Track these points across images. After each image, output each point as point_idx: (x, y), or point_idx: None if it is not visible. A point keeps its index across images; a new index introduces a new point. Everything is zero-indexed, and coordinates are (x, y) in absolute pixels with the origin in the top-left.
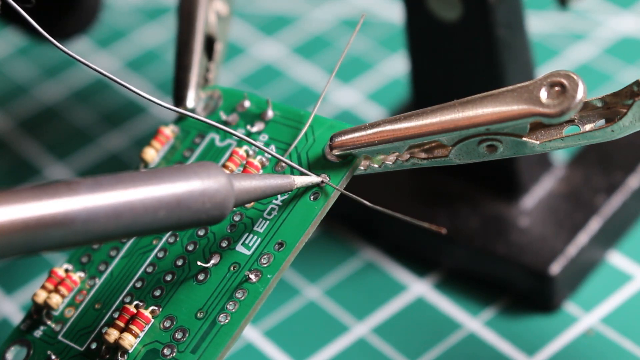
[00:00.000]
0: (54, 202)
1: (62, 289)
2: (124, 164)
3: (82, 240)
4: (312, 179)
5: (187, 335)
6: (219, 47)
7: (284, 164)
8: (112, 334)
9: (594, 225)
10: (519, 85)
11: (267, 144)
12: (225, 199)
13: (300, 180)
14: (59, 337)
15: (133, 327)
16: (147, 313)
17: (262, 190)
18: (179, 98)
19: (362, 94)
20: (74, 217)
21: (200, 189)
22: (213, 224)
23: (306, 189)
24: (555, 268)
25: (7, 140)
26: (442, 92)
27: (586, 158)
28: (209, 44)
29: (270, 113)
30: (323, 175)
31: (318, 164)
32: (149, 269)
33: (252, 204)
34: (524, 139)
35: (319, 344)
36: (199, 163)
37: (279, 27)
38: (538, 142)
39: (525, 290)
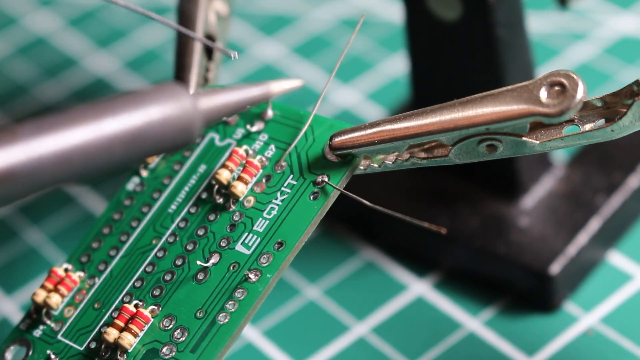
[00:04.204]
0: None
1: (62, 289)
2: None
3: (32, 190)
4: (292, 82)
5: (186, 334)
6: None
7: (283, 164)
8: (112, 334)
9: (594, 225)
10: (518, 85)
11: (267, 144)
12: (190, 123)
13: (277, 86)
14: (59, 337)
15: (132, 326)
16: (146, 312)
17: (234, 103)
18: None
19: (362, 94)
20: (19, 171)
21: (159, 118)
22: (181, 148)
23: (306, 187)
24: (555, 268)
25: None
26: (442, 92)
27: (586, 158)
28: None
29: (270, 113)
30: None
31: (318, 164)
32: (149, 269)
33: (252, 203)
34: (523, 138)
35: (319, 344)
36: (158, 86)
37: (279, 27)
38: (538, 142)
39: (525, 290)
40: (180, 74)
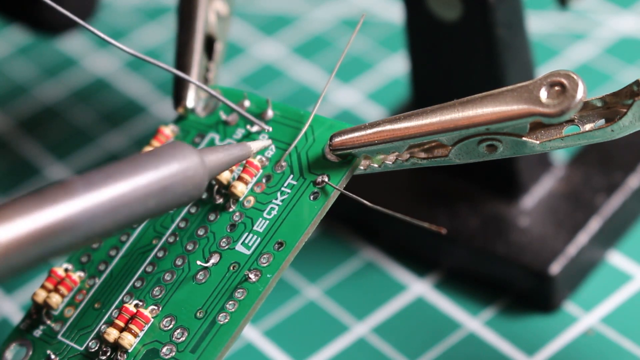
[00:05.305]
0: (57, 209)
1: (62, 289)
2: None
3: (86, 241)
4: (264, 142)
5: (186, 334)
6: (219, 47)
7: (283, 164)
8: (112, 334)
9: (594, 225)
10: (518, 85)
11: None
12: (202, 178)
13: (255, 146)
14: (59, 337)
15: (133, 326)
16: (146, 312)
17: (227, 162)
18: (178, 98)
19: (362, 94)
20: (78, 221)
21: (182, 172)
22: (189, 203)
23: (306, 187)
24: (555, 268)
25: (7, 140)
26: (442, 92)
27: (586, 158)
28: (209, 44)
29: (270, 113)
30: (322, 176)
31: (318, 164)
32: (149, 269)
33: (252, 203)
34: (523, 138)
35: (319, 344)
36: (171, 144)
37: (279, 27)
38: (538, 142)
39: (525, 290)
40: None
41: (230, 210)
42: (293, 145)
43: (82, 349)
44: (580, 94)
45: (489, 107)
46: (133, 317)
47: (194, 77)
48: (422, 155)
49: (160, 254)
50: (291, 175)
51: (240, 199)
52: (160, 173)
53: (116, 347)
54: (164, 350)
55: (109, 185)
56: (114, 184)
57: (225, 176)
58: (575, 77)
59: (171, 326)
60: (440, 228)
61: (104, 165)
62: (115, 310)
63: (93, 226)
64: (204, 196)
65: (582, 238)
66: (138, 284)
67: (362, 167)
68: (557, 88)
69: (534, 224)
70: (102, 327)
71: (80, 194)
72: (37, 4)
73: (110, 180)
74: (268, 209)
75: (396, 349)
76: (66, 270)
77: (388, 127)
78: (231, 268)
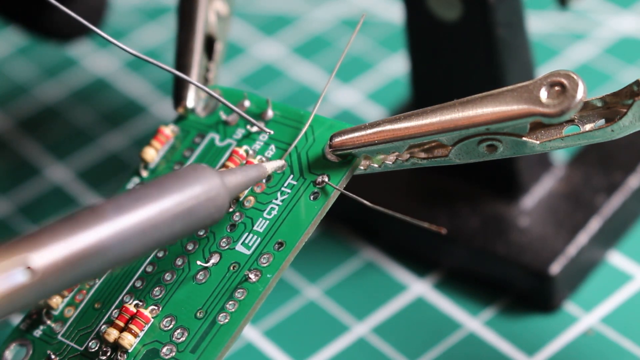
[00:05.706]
0: (89, 234)
1: None
2: (124, 164)
3: (116, 264)
4: (278, 163)
5: (186, 334)
6: (219, 47)
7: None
8: (112, 334)
9: (594, 225)
10: (519, 85)
11: (267, 144)
12: (224, 199)
13: (270, 167)
14: (59, 337)
15: (133, 326)
16: (146, 312)
17: (245, 183)
18: (178, 98)
19: (362, 94)
20: (109, 245)
21: (205, 194)
22: (212, 225)
23: (306, 187)
24: (555, 268)
25: (7, 140)
26: (442, 92)
27: (586, 158)
28: (209, 44)
29: (270, 113)
30: (322, 176)
31: (318, 164)
32: (149, 269)
33: (252, 203)
34: (524, 138)
35: (319, 344)
36: (192, 167)
37: (279, 27)
38: (538, 142)
39: (525, 290)
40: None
41: (230, 210)
42: (293, 145)
43: (82, 349)
44: (580, 94)
45: (489, 107)
46: (133, 317)
47: (193, 77)
48: (422, 155)
49: (160, 254)
50: (291, 175)
51: (240, 199)
52: (185, 196)
53: (116, 347)
54: (164, 350)
55: (138, 209)
56: (142, 207)
57: None
58: (575, 77)
59: (171, 326)
60: (440, 228)
61: (132, 190)
62: (116, 310)
63: (124, 250)
64: None
65: (582, 238)
66: (138, 284)
67: (362, 167)
68: (557, 88)
69: (534, 224)
70: (102, 327)
71: (111, 219)
72: (47, 12)
73: (138, 205)
74: (268, 209)
75: (396, 349)
76: None
77: (388, 127)
78: (231, 268)
